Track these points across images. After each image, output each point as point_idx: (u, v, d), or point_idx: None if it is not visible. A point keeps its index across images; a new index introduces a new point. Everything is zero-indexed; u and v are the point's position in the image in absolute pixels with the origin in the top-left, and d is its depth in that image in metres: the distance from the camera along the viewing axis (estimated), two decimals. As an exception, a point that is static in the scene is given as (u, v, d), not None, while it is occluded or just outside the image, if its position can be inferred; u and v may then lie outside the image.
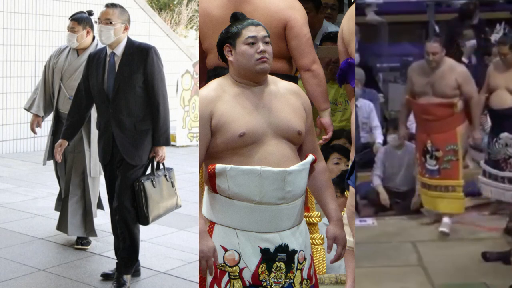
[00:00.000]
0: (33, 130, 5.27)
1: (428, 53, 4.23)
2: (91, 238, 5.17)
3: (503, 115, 4.33)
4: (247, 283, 2.51)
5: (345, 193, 3.73)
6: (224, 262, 2.52)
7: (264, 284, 2.52)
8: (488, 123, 4.40)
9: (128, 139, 4.14)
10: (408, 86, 4.36)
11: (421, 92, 4.28)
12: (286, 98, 2.62)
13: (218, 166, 2.50)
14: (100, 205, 5.28)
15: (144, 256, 4.75)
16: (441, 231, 4.27)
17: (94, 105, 4.36)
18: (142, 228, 4.34)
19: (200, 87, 3.00)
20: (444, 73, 4.23)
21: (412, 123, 4.73)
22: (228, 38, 2.60)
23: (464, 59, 4.69)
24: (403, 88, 4.69)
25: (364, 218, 4.46)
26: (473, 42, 4.67)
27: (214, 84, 2.62)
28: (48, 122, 5.30)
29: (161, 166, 4.32)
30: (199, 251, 2.50)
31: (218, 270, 2.53)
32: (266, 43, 2.58)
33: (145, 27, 12.25)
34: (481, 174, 4.37)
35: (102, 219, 5.36)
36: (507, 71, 4.29)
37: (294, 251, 2.56)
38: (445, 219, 4.29)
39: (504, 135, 4.26)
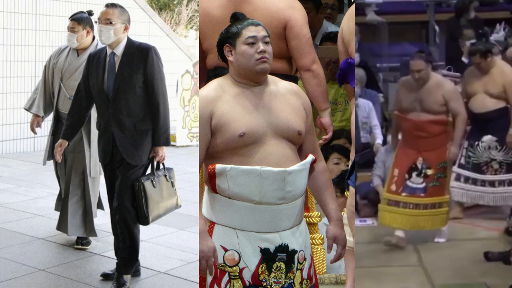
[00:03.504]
0: (33, 130, 5.27)
1: (413, 71, 4.22)
2: (91, 238, 5.17)
3: (485, 118, 4.35)
4: (247, 283, 2.51)
5: (345, 193, 3.73)
6: (224, 262, 2.52)
7: (264, 284, 2.52)
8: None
9: (128, 139, 4.14)
10: (397, 101, 4.36)
11: (409, 108, 4.27)
12: (286, 98, 2.62)
13: (218, 166, 2.50)
14: (100, 205, 5.28)
15: (144, 256, 4.75)
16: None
17: (94, 105, 4.36)
18: (142, 228, 4.34)
19: (200, 87, 3.00)
20: (431, 89, 4.22)
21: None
22: (228, 38, 2.60)
23: (464, 59, 4.69)
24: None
25: (364, 218, 4.46)
26: (472, 41, 4.67)
27: (214, 84, 2.62)
28: (48, 122, 5.30)
29: (161, 166, 4.32)
30: (199, 251, 2.50)
31: (218, 270, 2.53)
32: (266, 43, 2.58)
33: (145, 27, 12.25)
34: (452, 179, 4.35)
35: (102, 219, 5.36)
36: (483, 76, 4.32)
37: (294, 251, 2.56)
38: (443, 228, 4.29)
39: (488, 137, 4.27)
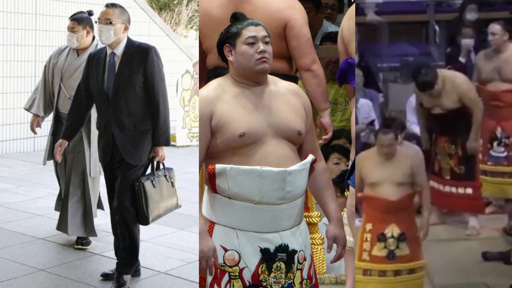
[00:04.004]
0: (33, 130, 5.27)
1: (489, 33, 4.26)
2: (91, 238, 5.17)
3: None
4: (247, 283, 2.52)
5: (345, 193, 3.73)
6: (224, 262, 2.52)
7: (264, 284, 2.52)
8: None
9: (127, 139, 4.14)
10: (476, 73, 4.37)
11: (488, 79, 4.29)
12: (286, 98, 2.63)
13: (218, 166, 2.50)
14: (100, 205, 5.28)
15: (144, 256, 4.75)
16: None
17: (94, 105, 4.36)
18: (142, 228, 4.34)
19: (200, 87, 3.00)
20: (509, 57, 4.24)
21: (411, 123, 4.71)
22: (228, 38, 2.60)
23: (461, 58, 4.68)
24: (403, 88, 4.68)
25: (364, 218, 4.45)
26: (470, 40, 4.66)
27: (214, 84, 2.62)
28: (48, 122, 5.30)
29: (161, 166, 4.32)
30: (199, 251, 2.50)
31: (218, 270, 2.53)
32: (266, 43, 2.58)
33: (145, 27, 12.26)
34: None
35: (102, 219, 5.36)
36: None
37: (294, 251, 2.56)
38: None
39: None
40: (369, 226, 3.72)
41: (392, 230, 3.68)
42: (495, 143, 4.28)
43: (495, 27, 4.26)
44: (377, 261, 3.69)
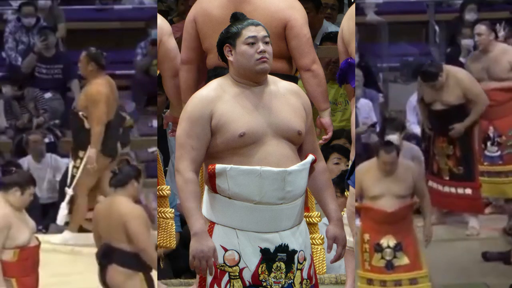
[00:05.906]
0: None
1: (475, 35, 4.29)
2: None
3: None
4: (247, 283, 2.52)
5: (345, 193, 3.73)
6: (224, 262, 2.53)
7: (264, 284, 2.52)
8: None
9: None
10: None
11: (478, 78, 4.29)
12: (286, 98, 2.63)
13: (218, 166, 2.51)
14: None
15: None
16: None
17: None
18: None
19: (200, 87, 3.00)
20: (497, 56, 4.27)
21: (411, 124, 4.72)
22: (228, 38, 2.60)
23: (461, 58, 4.69)
24: (403, 88, 4.69)
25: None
26: (470, 41, 4.68)
27: (214, 84, 2.63)
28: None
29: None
30: (199, 251, 2.49)
31: (218, 270, 2.53)
32: (266, 43, 2.58)
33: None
34: None
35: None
36: None
37: (294, 251, 2.56)
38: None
39: None
40: (366, 237, 3.72)
41: (388, 240, 3.67)
42: (488, 143, 4.29)
43: (481, 28, 4.28)
44: (377, 271, 3.70)
